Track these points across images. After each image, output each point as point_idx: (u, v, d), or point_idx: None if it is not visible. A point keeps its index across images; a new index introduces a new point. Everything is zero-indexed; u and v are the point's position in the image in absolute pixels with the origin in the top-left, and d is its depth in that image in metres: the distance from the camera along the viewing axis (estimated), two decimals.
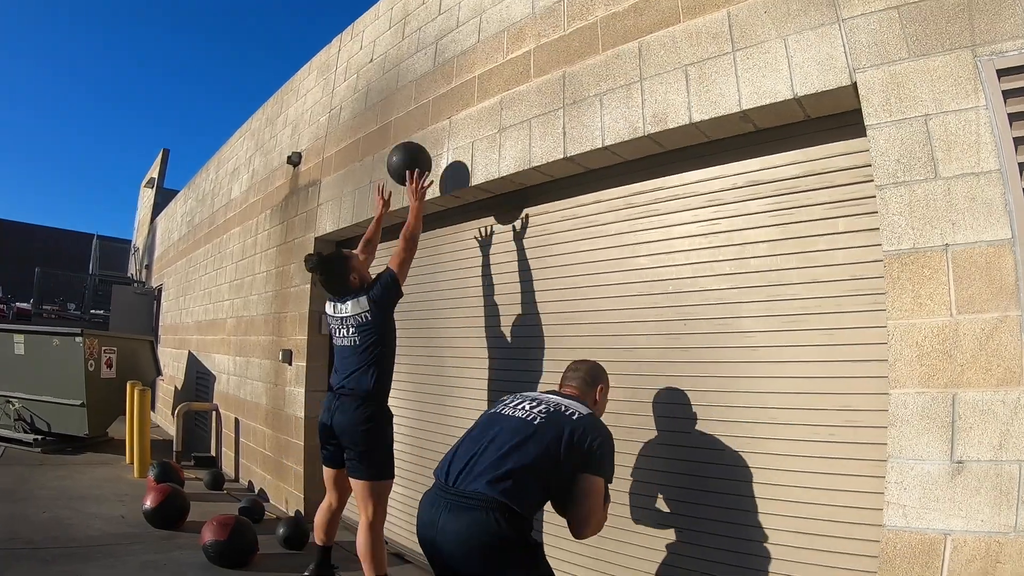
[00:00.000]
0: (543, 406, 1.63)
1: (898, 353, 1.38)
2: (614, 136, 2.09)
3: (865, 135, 1.57)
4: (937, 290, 1.35)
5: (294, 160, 4.30)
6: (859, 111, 1.58)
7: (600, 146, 2.13)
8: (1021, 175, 1.27)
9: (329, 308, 2.54)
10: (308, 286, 3.86)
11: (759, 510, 1.78)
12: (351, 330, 2.41)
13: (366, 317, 2.38)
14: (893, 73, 1.47)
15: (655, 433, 2.10)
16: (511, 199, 2.75)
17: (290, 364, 3.96)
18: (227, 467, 4.95)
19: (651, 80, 2.01)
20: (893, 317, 1.40)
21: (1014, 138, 1.29)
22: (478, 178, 2.66)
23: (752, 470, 1.82)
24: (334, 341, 2.54)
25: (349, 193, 3.59)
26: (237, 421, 4.81)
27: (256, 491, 4.37)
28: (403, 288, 2.49)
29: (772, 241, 1.86)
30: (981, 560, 1.22)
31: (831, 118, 1.74)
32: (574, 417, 1.58)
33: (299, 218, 4.18)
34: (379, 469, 2.35)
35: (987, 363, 1.27)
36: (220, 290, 5.72)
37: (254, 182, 5.26)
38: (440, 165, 2.89)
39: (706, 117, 1.84)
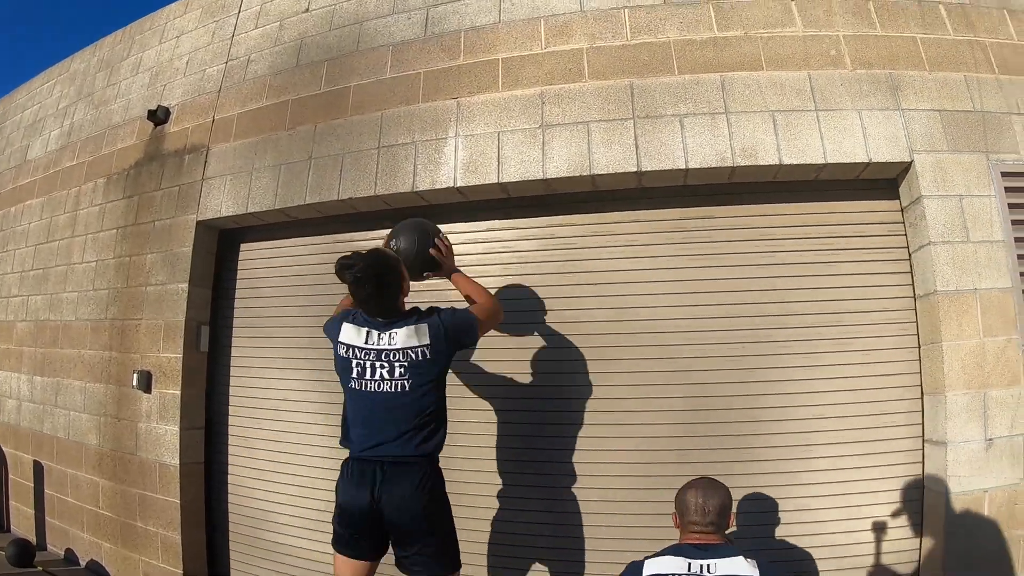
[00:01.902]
0: None
1: (949, 366, 2.42)
2: (699, 160, 2.74)
3: (893, 198, 2.63)
4: (971, 321, 2.44)
5: (160, 116, 3.69)
6: (893, 180, 2.64)
7: (682, 167, 2.76)
8: (1016, 244, 2.44)
9: (349, 334, 2.22)
10: (183, 286, 3.40)
11: (809, 493, 2.68)
12: (397, 369, 2.15)
13: (424, 353, 2.15)
14: (938, 159, 2.54)
15: (713, 450, 2.83)
16: (528, 203, 3.13)
17: (147, 391, 3.41)
18: (19, 528, 4.24)
19: (738, 115, 2.74)
20: (946, 339, 2.44)
21: (1012, 220, 2.45)
22: (510, 175, 2.94)
23: (806, 461, 2.71)
24: (351, 384, 2.20)
25: (269, 168, 3.35)
26: (38, 466, 4.08)
27: (83, 564, 3.77)
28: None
29: (818, 276, 2.80)
30: (1006, 504, 2.31)
31: (869, 180, 2.77)
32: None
33: (165, 193, 3.60)
34: (454, 559, 2.22)
35: (1002, 370, 2.39)
36: (4, 282, 4.69)
37: (73, 140, 4.48)
38: (443, 151, 3.07)
39: (795, 162, 2.65)
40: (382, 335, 2.18)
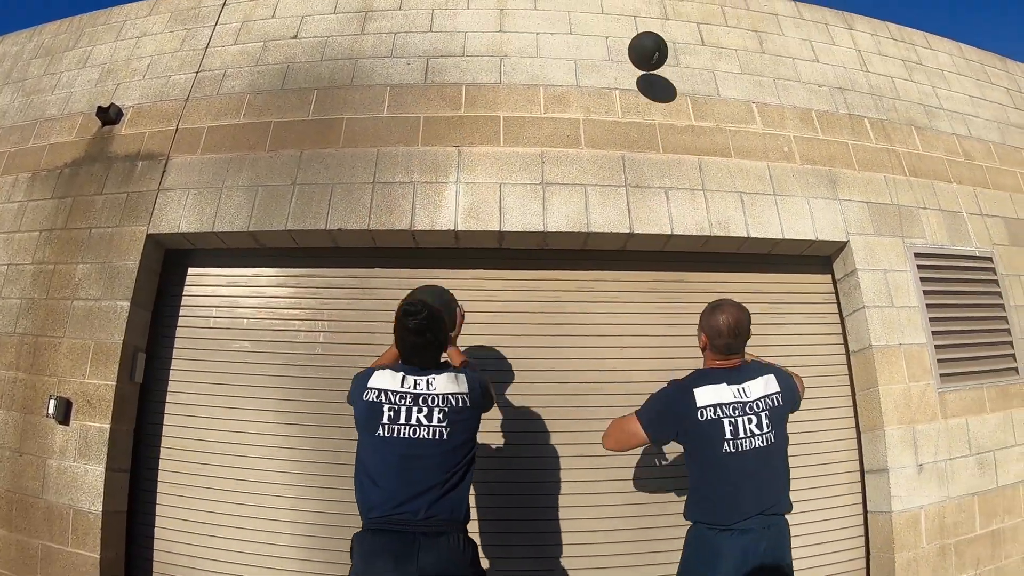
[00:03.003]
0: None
1: (885, 406, 3.16)
2: (683, 228, 3.35)
3: (826, 273, 3.46)
4: (899, 369, 3.22)
5: (111, 116, 3.53)
6: (827, 257, 3.48)
7: (668, 232, 3.35)
8: (927, 309, 3.31)
9: (382, 380, 2.19)
10: (124, 304, 3.20)
11: None
12: (436, 415, 2.12)
13: (465, 401, 2.18)
14: (867, 241, 3.41)
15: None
16: (519, 255, 3.51)
17: (65, 423, 3.03)
18: None
19: (712, 193, 3.44)
20: (881, 384, 3.18)
21: (923, 290, 3.35)
22: (511, 224, 3.33)
23: None
24: (377, 432, 2.10)
25: (244, 188, 3.39)
26: None
27: None
28: None
29: (769, 335, 3.47)
30: (937, 518, 3.01)
31: (808, 257, 3.58)
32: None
33: (109, 199, 3.41)
34: None
35: (924, 408, 3.17)
36: None
37: None
38: (443, 194, 3.39)
39: (759, 235, 3.38)
40: (419, 380, 2.18)
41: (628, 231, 3.34)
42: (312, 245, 3.48)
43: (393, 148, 3.48)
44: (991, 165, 3.83)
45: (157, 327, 3.45)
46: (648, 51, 3.49)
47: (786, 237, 3.40)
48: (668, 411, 2.29)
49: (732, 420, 2.17)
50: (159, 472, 3.26)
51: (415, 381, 2.17)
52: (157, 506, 3.22)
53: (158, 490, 3.24)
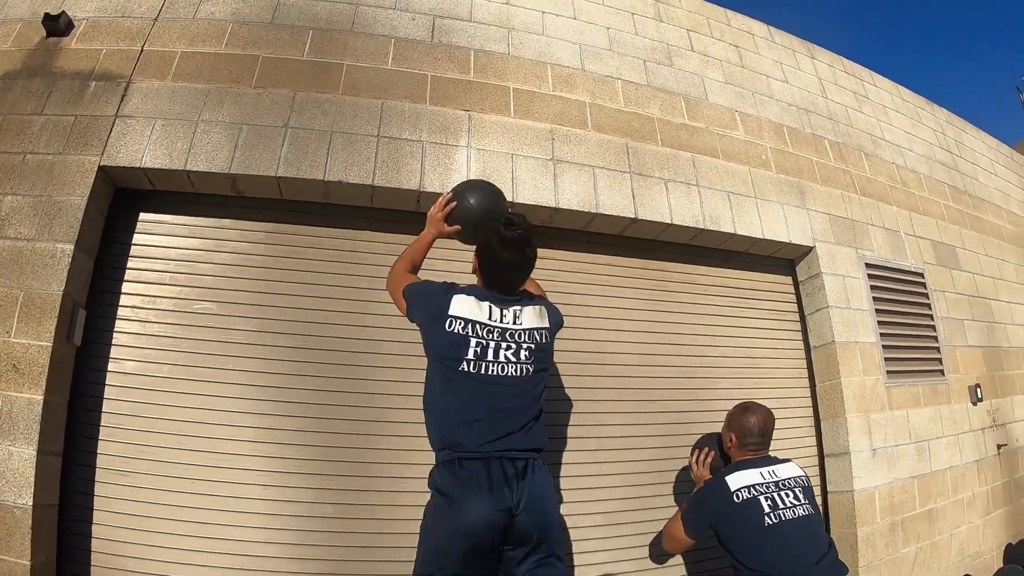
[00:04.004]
0: None
1: (847, 396, 3.40)
2: (680, 218, 3.38)
3: (789, 275, 3.69)
4: (856, 364, 3.49)
5: (60, 27, 2.73)
6: (791, 261, 3.70)
7: (668, 221, 3.35)
8: (876, 313, 3.64)
9: (467, 307, 1.97)
10: (66, 248, 2.49)
11: None
12: (523, 351, 1.98)
13: (547, 336, 2.06)
14: (830, 248, 3.67)
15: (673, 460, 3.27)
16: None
17: None
18: None
19: (704, 189, 3.50)
20: (843, 376, 3.43)
21: (872, 296, 3.67)
22: (524, 197, 3.13)
23: None
24: (462, 367, 1.91)
25: (225, 125, 2.83)
26: None
27: None
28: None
29: (741, 328, 3.63)
30: (887, 496, 3.29)
31: (776, 258, 3.78)
32: None
33: (51, 121, 2.64)
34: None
35: (876, 399, 3.46)
36: None
37: None
38: (454, 158, 3.10)
39: (743, 233, 3.50)
40: (506, 312, 2.01)
41: (633, 216, 3.29)
42: (298, 198, 3.00)
43: (400, 103, 3.12)
44: (922, 194, 4.34)
45: (98, 280, 2.76)
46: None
47: (765, 237, 3.56)
48: (702, 506, 2.36)
49: (769, 496, 2.24)
50: (97, 457, 2.58)
51: (502, 313, 2.00)
52: (95, 498, 2.53)
53: (96, 479, 2.55)
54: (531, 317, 2.04)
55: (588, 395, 3.18)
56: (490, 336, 1.96)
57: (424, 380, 2.02)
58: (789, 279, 3.82)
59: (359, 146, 2.97)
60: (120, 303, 2.76)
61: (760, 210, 3.61)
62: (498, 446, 1.87)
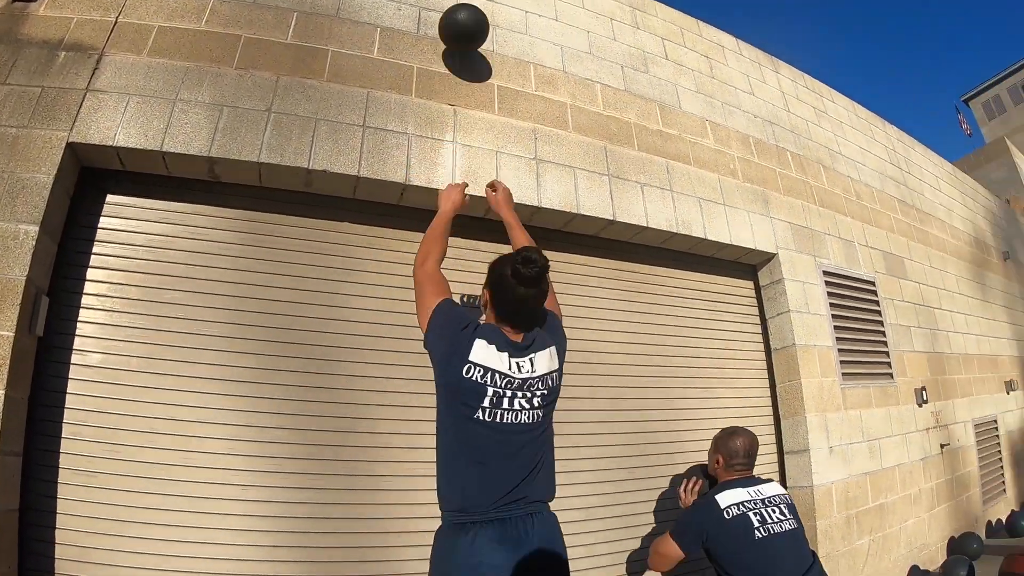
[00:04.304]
0: None
1: (807, 396, 3.53)
2: (656, 222, 3.43)
3: (751, 280, 3.82)
4: (814, 366, 3.64)
5: None
6: (753, 266, 3.83)
7: (644, 224, 3.40)
8: (832, 319, 3.80)
9: (486, 355, 1.86)
10: (30, 229, 2.29)
11: None
12: (536, 398, 1.92)
13: (556, 379, 2.00)
14: (791, 255, 3.81)
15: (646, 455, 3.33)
16: (499, 227, 3.28)
17: None
18: None
19: (678, 195, 3.57)
20: (804, 377, 3.56)
21: (829, 303, 3.83)
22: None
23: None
24: (476, 415, 1.83)
25: (204, 105, 2.68)
26: None
27: None
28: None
29: (709, 330, 3.73)
30: (843, 491, 3.44)
31: (740, 264, 3.90)
32: None
33: (14, 92, 2.40)
34: None
35: (832, 400, 3.61)
36: None
37: None
38: (440, 152, 3.05)
39: (712, 238, 3.59)
40: (523, 363, 1.91)
41: (611, 218, 3.32)
42: (278, 185, 2.87)
43: (385, 94, 3.04)
44: (874, 207, 4.57)
45: (61, 266, 2.56)
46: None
47: (733, 243, 3.66)
48: (693, 522, 2.43)
49: (757, 512, 2.35)
50: (60, 457, 2.37)
51: (519, 365, 1.90)
52: (59, 502, 2.32)
53: (59, 480, 2.35)
54: (544, 362, 1.97)
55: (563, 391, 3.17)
56: (507, 387, 1.87)
57: (436, 423, 1.94)
58: (751, 284, 3.95)
59: (344, 135, 2.88)
60: (84, 290, 2.56)
61: (728, 216, 3.71)
62: (513, 496, 1.82)
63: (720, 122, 3.99)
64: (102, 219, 2.67)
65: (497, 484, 1.82)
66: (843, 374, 3.76)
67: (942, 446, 4.21)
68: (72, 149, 2.51)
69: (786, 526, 2.34)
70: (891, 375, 4.02)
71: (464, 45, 3.21)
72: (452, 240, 3.07)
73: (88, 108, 2.55)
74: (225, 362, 2.66)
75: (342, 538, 2.65)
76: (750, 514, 2.33)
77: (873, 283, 4.15)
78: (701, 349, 3.65)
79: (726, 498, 2.38)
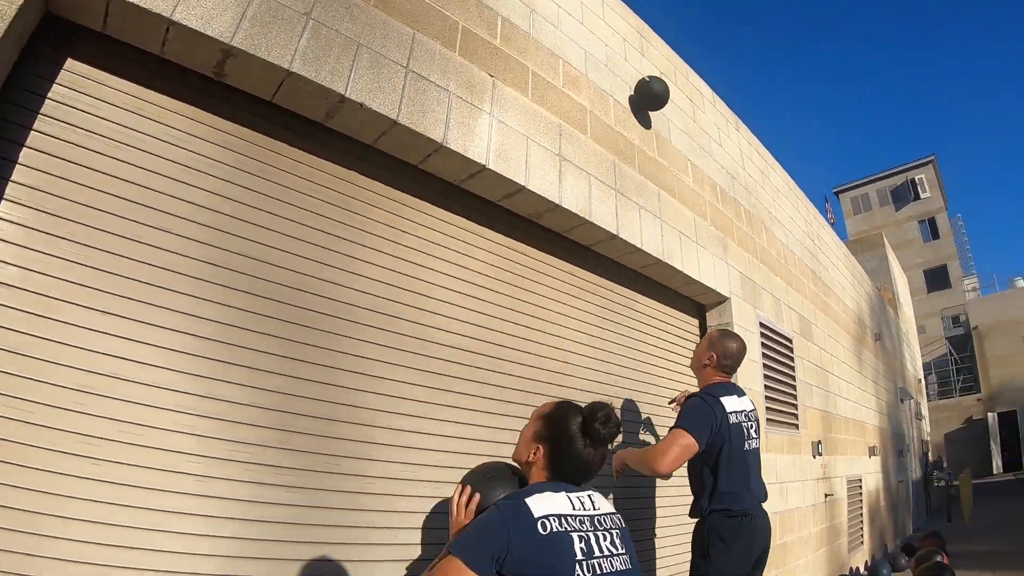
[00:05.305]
0: None
1: None
2: (649, 247, 3.34)
3: (697, 317, 3.92)
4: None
5: None
6: (703, 306, 3.93)
7: (639, 246, 3.28)
8: (763, 368, 3.98)
9: (548, 504, 1.58)
10: None
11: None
12: (617, 539, 1.67)
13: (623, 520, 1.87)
14: (739, 302, 3.94)
15: None
16: (498, 214, 2.94)
17: None
18: None
19: (664, 224, 3.52)
20: None
21: (762, 352, 4.01)
22: (534, 185, 2.79)
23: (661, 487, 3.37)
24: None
25: None
26: None
27: None
28: None
29: (656, 357, 3.70)
30: (782, 520, 3.55)
31: (693, 302, 3.94)
32: None
33: None
34: None
35: None
36: None
37: None
38: (478, 121, 2.65)
39: (686, 272, 3.58)
40: (582, 498, 1.66)
41: (615, 232, 3.18)
42: (292, 107, 2.27)
43: (431, 42, 2.58)
44: (796, 273, 4.92)
45: None
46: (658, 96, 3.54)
47: (699, 280, 3.70)
48: (709, 413, 2.57)
49: (747, 426, 2.65)
50: None
51: (579, 500, 1.63)
52: None
53: None
54: (602, 501, 1.71)
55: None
56: (582, 526, 1.58)
57: None
58: (697, 322, 4.02)
59: (387, 72, 2.37)
60: (12, 176, 1.75)
61: (699, 255, 3.75)
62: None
63: (698, 164, 4.05)
64: (55, 88, 1.87)
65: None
66: (768, 419, 3.95)
67: (826, 496, 4.63)
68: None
69: (755, 444, 2.72)
70: (798, 426, 4.33)
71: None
72: (459, 222, 2.82)
73: None
74: (190, 310, 1.97)
75: (318, 549, 2.09)
76: (743, 425, 2.65)
77: (791, 340, 4.48)
78: (649, 376, 3.60)
79: (730, 404, 2.65)
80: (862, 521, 6.05)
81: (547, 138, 2.95)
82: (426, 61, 2.53)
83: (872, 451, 6.47)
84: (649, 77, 3.55)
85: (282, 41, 2.09)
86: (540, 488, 1.62)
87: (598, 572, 1.52)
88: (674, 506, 3.49)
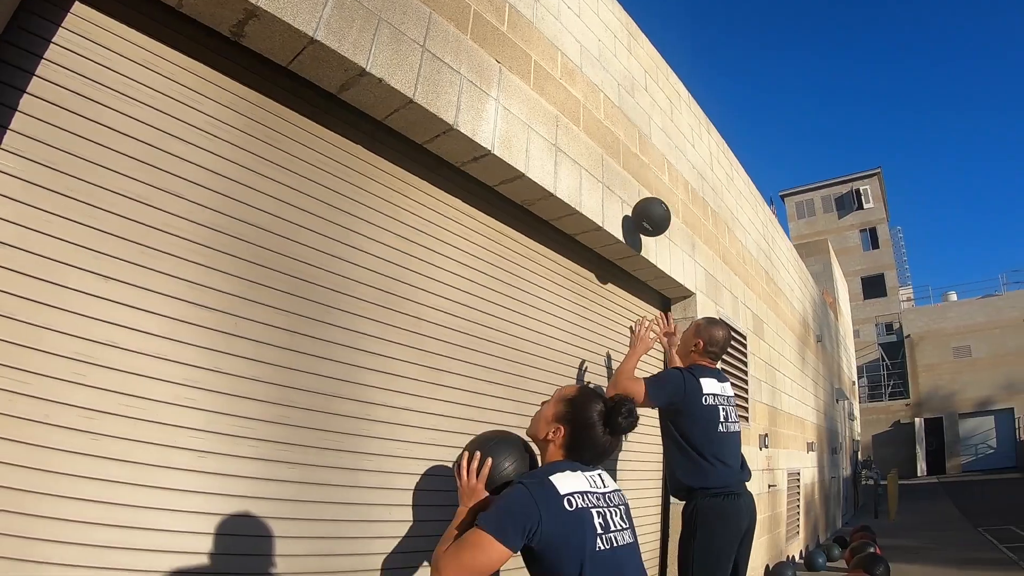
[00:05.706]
0: None
1: None
2: (630, 240, 3.41)
3: (663, 309, 4.06)
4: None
5: None
6: (668, 299, 4.07)
7: (620, 238, 3.34)
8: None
9: (571, 482, 1.67)
10: None
11: None
12: (625, 515, 1.78)
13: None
14: (703, 297, 4.10)
15: None
16: (489, 196, 2.93)
17: None
18: None
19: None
20: None
21: None
22: (533, 174, 2.79)
23: None
24: (599, 545, 1.73)
25: None
26: None
27: None
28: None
29: (624, 343, 3.78)
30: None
31: (660, 292, 4.06)
32: None
33: None
34: None
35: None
36: None
37: None
38: (485, 106, 2.62)
39: (659, 266, 3.69)
40: (594, 476, 1.76)
41: (600, 224, 3.22)
42: (309, 76, 2.17)
43: (446, 23, 2.52)
44: (752, 273, 5.11)
45: None
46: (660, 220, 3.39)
47: (669, 274, 3.81)
48: (680, 381, 2.75)
49: (724, 409, 2.78)
50: None
51: (593, 479, 1.74)
52: None
53: None
54: (611, 479, 1.83)
55: (529, 384, 2.97)
56: (598, 503, 1.68)
57: None
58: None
59: (405, 49, 2.31)
60: (10, 124, 1.61)
61: (671, 250, 3.86)
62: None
63: (673, 163, 4.15)
64: (61, 33, 1.72)
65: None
66: None
67: (769, 486, 4.89)
68: None
69: (733, 428, 2.82)
70: (748, 419, 4.55)
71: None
72: (456, 204, 2.83)
73: None
74: (191, 276, 1.87)
75: (318, 526, 2.05)
76: (719, 408, 2.79)
77: (745, 337, 4.69)
78: (616, 358, 3.68)
79: (707, 386, 2.77)
80: (799, 512, 6.44)
81: (545, 128, 2.96)
82: (441, 42, 2.47)
83: (810, 447, 6.88)
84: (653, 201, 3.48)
85: (307, 7, 2.00)
86: (560, 467, 1.70)
87: (613, 545, 1.63)
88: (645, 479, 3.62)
